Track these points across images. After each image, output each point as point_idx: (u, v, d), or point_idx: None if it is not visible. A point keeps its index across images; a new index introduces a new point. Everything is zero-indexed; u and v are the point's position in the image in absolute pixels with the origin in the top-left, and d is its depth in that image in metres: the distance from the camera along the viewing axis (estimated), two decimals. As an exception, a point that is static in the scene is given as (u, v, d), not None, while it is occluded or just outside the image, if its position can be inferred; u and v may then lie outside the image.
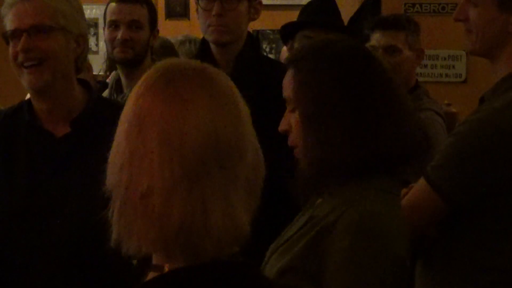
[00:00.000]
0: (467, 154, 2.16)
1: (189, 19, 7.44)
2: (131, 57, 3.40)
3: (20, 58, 2.18)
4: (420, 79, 4.66)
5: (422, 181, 2.21)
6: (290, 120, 1.88)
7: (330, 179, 1.83)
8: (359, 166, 1.80)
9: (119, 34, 3.39)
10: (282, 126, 1.90)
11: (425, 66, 4.97)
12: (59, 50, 2.19)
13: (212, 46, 2.96)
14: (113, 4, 3.45)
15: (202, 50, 2.99)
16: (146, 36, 3.43)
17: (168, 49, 4.16)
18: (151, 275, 1.27)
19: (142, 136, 1.23)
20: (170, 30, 7.21)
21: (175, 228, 1.21)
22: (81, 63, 2.29)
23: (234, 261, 1.27)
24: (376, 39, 3.39)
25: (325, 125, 1.81)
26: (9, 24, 2.21)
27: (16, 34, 2.19)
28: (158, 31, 3.61)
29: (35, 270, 2.17)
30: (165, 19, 7.52)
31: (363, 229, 1.73)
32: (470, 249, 2.19)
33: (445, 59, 4.99)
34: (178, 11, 7.57)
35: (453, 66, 4.98)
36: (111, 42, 3.43)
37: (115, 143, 1.28)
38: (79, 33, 2.25)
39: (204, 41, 3.01)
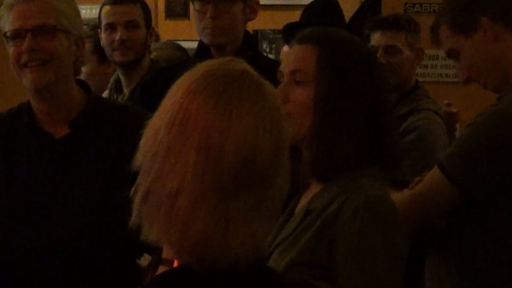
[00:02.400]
0: (483, 145, 2.16)
1: (189, 19, 7.43)
2: (131, 59, 3.41)
3: (24, 58, 2.17)
4: (420, 79, 4.66)
5: (436, 170, 2.21)
6: (290, 93, 1.85)
7: (331, 166, 1.82)
8: (361, 157, 1.81)
9: (117, 36, 3.39)
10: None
11: (425, 66, 4.96)
12: (62, 52, 2.19)
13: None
14: (107, 7, 3.45)
15: (201, 50, 3.00)
16: (143, 35, 3.44)
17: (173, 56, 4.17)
18: (161, 269, 1.28)
19: (183, 136, 1.23)
20: (170, 30, 7.22)
21: (196, 236, 1.21)
22: (79, 66, 2.30)
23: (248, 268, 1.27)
24: (376, 39, 3.39)
25: (340, 109, 1.81)
26: (10, 24, 2.19)
27: (19, 34, 2.18)
28: (154, 29, 3.62)
29: (35, 271, 2.17)
30: (165, 19, 7.52)
31: (371, 211, 1.73)
32: (484, 243, 2.19)
33: (445, 59, 4.96)
34: (178, 11, 7.57)
35: (453, 66, 4.96)
36: (109, 44, 3.43)
37: (154, 126, 1.27)
38: (79, 36, 2.26)
39: (202, 41, 3.01)
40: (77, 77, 2.32)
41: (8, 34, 2.20)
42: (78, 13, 2.28)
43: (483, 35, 2.26)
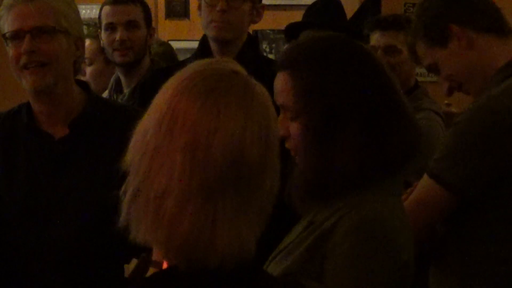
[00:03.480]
0: (468, 142, 2.16)
1: (189, 19, 7.43)
2: (131, 60, 3.41)
3: (23, 60, 2.16)
4: (420, 79, 4.65)
5: (425, 177, 2.20)
6: (288, 127, 1.77)
7: (333, 186, 1.76)
8: (363, 173, 1.74)
9: (117, 36, 3.39)
10: (279, 132, 1.81)
11: (425, 66, 4.95)
12: (61, 53, 2.19)
13: (212, 44, 2.96)
14: (107, 7, 3.45)
15: (202, 48, 2.99)
16: (144, 35, 3.44)
17: (169, 55, 4.18)
18: (151, 271, 1.28)
19: (171, 136, 1.22)
20: (170, 30, 7.22)
21: (182, 237, 1.21)
22: (79, 65, 2.30)
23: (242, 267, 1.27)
24: (375, 39, 3.39)
25: (331, 135, 1.73)
26: (9, 25, 2.18)
27: (18, 35, 2.17)
28: (154, 29, 3.62)
29: (34, 271, 2.17)
30: (165, 19, 7.52)
31: (363, 232, 1.67)
32: (483, 242, 2.18)
33: (445, 59, 4.97)
34: (178, 11, 7.57)
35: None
36: (109, 44, 3.43)
37: (142, 127, 1.27)
38: (79, 36, 2.25)
39: (204, 39, 3.01)
40: (83, 77, 2.32)
41: (7, 35, 2.19)
42: (77, 13, 2.28)
43: (457, 43, 2.28)
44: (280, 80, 1.78)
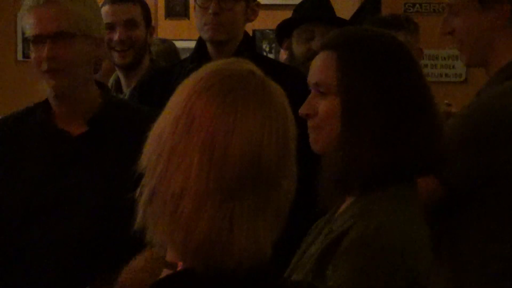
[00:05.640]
0: (464, 137, 2.15)
1: (189, 19, 7.43)
2: (130, 61, 3.40)
3: (44, 65, 2.20)
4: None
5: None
6: (316, 105, 1.76)
7: (355, 181, 1.71)
8: (386, 171, 1.70)
9: (116, 36, 3.38)
10: (304, 110, 1.76)
11: (425, 66, 4.96)
12: (81, 57, 2.23)
13: (208, 45, 2.96)
14: (106, 7, 3.44)
15: (198, 49, 2.99)
16: (143, 34, 3.43)
17: (172, 52, 4.17)
18: (165, 272, 1.27)
19: (187, 136, 1.22)
20: (170, 30, 7.22)
21: (200, 238, 1.20)
22: (99, 66, 2.34)
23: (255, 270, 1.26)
24: None
25: (367, 118, 1.70)
26: (30, 29, 2.23)
27: (39, 40, 2.21)
28: (153, 28, 3.61)
29: (44, 265, 2.18)
30: (165, 19, 7.52)
31: (368, 244, 1.62)
32: (477, 240, 2.18)
33: (445, 59, 4.98)
34: (178, 11, 7.57)
35: (453, 66, 4.97)
36: (108, 44, 3.42)
37: (159, 126, 1.26)
38: (99, 36, 2.28)
39: (200, 40, 3.01)
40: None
41: (29, 38, 2.24)
42: (97, 13, 2.30)
43: (495, 15, 2.28)
44: (323, 58, 1.78)
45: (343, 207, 1.79)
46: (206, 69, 1.29)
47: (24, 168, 2.24)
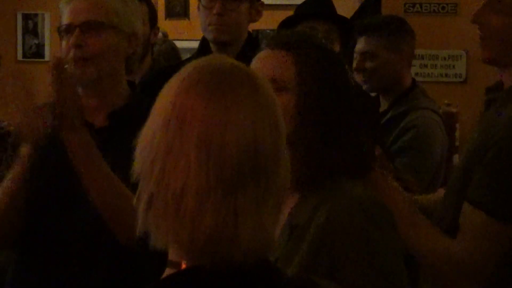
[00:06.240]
0: (504, 169, 1.99)
1: (189, 19, 7.45)
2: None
3: (71, 53, 2.23)
4: (420, 79, 4.66)
5: (472, 212, 2.01)
6: None
7: (306, 178, 1.79)
8: (334, 167, 1.78)
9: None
10: None
11: (425, 66, 4.97)
12: (107, 48, 2.24)
13: (212, 45, 2.96)
14: None
15: (202, 49, 3.00)
16: (147, 33, 3.44)
17: (172, 52, 4.18)
18: (167, 271, 1.26)
19: (181, 134, 1.21)
20: (170, 30, 7.22)
21: (206, 233, 1.20)
22: (133, 64, 2.36)
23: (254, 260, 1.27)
24: (357, 45, 3.41)
25: (319, 116, 1.79)
26: (64, 20, 2.27)
27: (69, 29, 2.25)
28: (158, 28, 3.61)
29: (61, 253, 2.21)
30: (165, 19, 7.54)
31: (365, 212, 1.71)
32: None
33: (445, 59, 4.99)
34: (178, 11, 7.58)
35: (453, 66, 4.98)
36: None
37: (148, 132, 1.25)
38: (132, 33, 2.30)
39: (204, 40, 3.02)
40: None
41: (60, 29, 2.28)
42: (132, 10, 2.32)
43: None
44: (277, 56, 1.85)
45: (290, 203, 1.82)
46: (189, 67, 1.29)
47: (46, 156, 2.24)
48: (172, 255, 1.26)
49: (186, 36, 6.97)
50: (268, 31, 7.15)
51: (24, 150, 2.18)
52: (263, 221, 1.22)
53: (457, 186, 2.12)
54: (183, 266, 1.23)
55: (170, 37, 6.61)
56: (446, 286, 2.12)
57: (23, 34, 6.92)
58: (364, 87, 3.34)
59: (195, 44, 3.15)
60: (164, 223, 1.22)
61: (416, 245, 2.07)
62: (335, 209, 1.72)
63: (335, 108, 1.81)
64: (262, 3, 3.03)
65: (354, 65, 3.38)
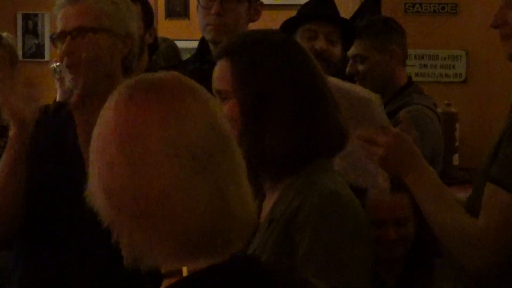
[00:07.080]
0: None
1: (189, 19, 7.44)
2: None
3: (65, 61, 2.25)
4: (420, 79, 4.66)
5: (490, 190, 2.02)
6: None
7: (268, 173, 1.86)
8: (295, 158, 1.83)
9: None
10: None
11: (425, 66, 4.96)
12: (101, 52, 2.25)
13: (211, 45, 2.97)
14: None
15: (201, 49, 3.00)
16: (140, 33, 3.43)
17: (172, 52, 4.17)
18: (165, 283, 1.24)
19: (141, 144, 1.21)
20: (170, 30, 7.21)
21: (200, 220, 1.21)
22: (130, 63, 2.34)
23: (253, 257, 1.29)
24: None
25: (265, 117, 1.83)
26: (58, 27, 2.29)
27: (61, 36, 2.26)
28: (154, 29, 3.60)
29: (71, 240, 2.23)
30: (165, 19, 7.53)
31: (325, 210, 1.76)
32: None
33: (445, 59, 4.98)
34: (178, 11, 7.57)
35: (453, 66, 4.97)
36: None
37: (103, 163, 1.24)
38: (126, 34, 2.30)
39: (203, 40, 3.02)
40: None
41: (53, 36, 2.30)
42: (124, 12, 2.32)
43: None
44: (218, 66, 1.90)
45: (273, 198, 1.87)
46: (120, 88, 1.29)
47: (57, 159, 2.29)
48: (165, 268, 1.24)
49: (186, 36, 6.96)
50: (268, 31, 7.15)
51: (12, 132, 2.19)
52: (245, 189, 1.26)
53: (485, 169, 2.11)
54: (184, 272, 1.22)
55: (170, 37, 6.61)
56: (462, 263, 2.11)
57: (23, 34, 6.92)
58: None
59: (194, 44, 3.15)
60: (156, 236, 1.22)
61: (438, 220, 2.08)
62: (304, 202, 1.78)
63: (276, 105, 1.83)
64: (261, 3, 3.03)
65: (348, 69, 3.41)
